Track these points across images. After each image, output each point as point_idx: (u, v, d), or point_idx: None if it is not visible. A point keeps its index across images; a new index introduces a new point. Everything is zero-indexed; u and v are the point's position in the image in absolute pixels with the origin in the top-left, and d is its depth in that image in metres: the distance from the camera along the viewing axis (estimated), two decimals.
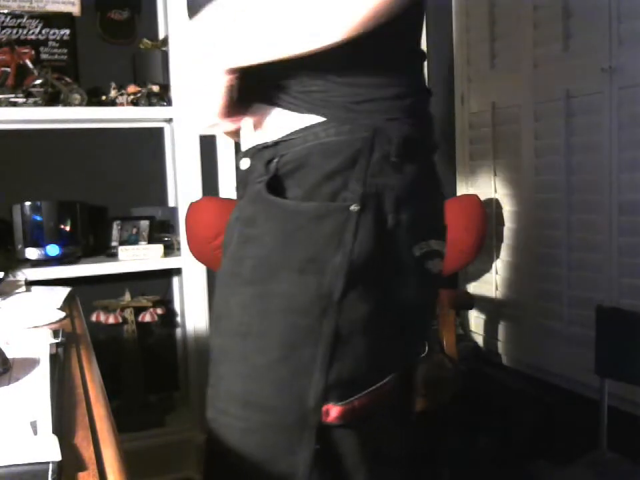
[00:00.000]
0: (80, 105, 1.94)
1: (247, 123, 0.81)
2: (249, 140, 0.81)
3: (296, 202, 0.72)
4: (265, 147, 0.76)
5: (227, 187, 2.12)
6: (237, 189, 0.85)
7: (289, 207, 0.72)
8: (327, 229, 0.71)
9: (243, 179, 0.81)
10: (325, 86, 0.73)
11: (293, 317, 0.71)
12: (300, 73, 0.73)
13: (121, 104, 2.02)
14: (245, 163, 0.79)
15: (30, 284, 1.39)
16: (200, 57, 0.74)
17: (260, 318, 0.72)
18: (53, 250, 1.96)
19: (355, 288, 0.71)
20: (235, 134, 0.85)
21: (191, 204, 1.96)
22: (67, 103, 1.93)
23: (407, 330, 0.79)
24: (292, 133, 0.74)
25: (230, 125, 0.80)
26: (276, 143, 0.75)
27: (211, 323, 0.81)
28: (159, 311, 2.18)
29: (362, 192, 0.71)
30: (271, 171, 0.74)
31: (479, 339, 2.37)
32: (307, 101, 0.74)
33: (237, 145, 0.87)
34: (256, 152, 0.77)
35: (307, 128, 0.73)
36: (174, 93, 2.01)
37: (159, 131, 2.27)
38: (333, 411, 0.71)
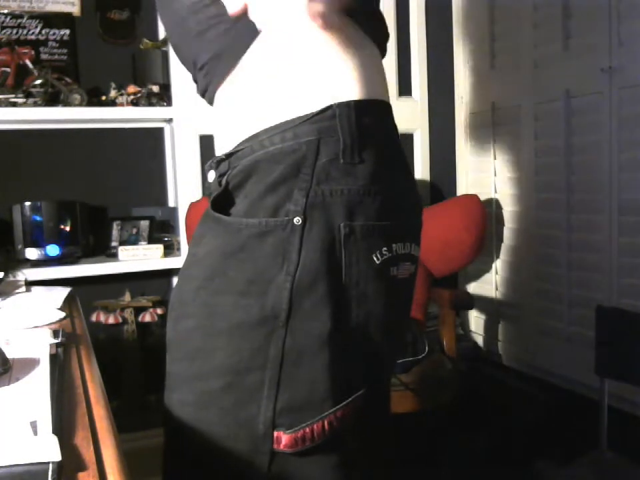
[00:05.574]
0: (80, 105, 1.94)
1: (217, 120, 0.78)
2: (216, 147, 0.78)
3: (238, 219, 0.68)
4: (220, 160, 0.72)
5: None
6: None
7: (231, 224, 0.69)
8: (268, 247, 0.66)
9: (210, 192, 0.76)
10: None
11: (237, 342, 0.67)
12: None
13: (121, 104, 2.01)
14: (210, 176, 0.75)
15: (30, 284, 1.39)
16: None
17: (204, 343, 0.69)
18: (53, 250, 1.96)
19: (303, 307, 0.66)
20: None
21: (191, 204, 1.96)
22: (67, 103, 1.93)
23: (374, 343, 0.73)
24: (241, 143, 0.70)
25: None
26: (228, 155, 0.71)
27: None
28: (159, 311, 2.18)
29: (306, 202, 0.66)
30: (222, 186, 0.70)
31: (479, 339, 2.37)
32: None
33: None
34: (214, 164, 0.73)
35: (253, 137, 0.69)
36: (174, 92, 2.02)
37: (159, 131, 2.27)
38: (284, 439, 0.67)
